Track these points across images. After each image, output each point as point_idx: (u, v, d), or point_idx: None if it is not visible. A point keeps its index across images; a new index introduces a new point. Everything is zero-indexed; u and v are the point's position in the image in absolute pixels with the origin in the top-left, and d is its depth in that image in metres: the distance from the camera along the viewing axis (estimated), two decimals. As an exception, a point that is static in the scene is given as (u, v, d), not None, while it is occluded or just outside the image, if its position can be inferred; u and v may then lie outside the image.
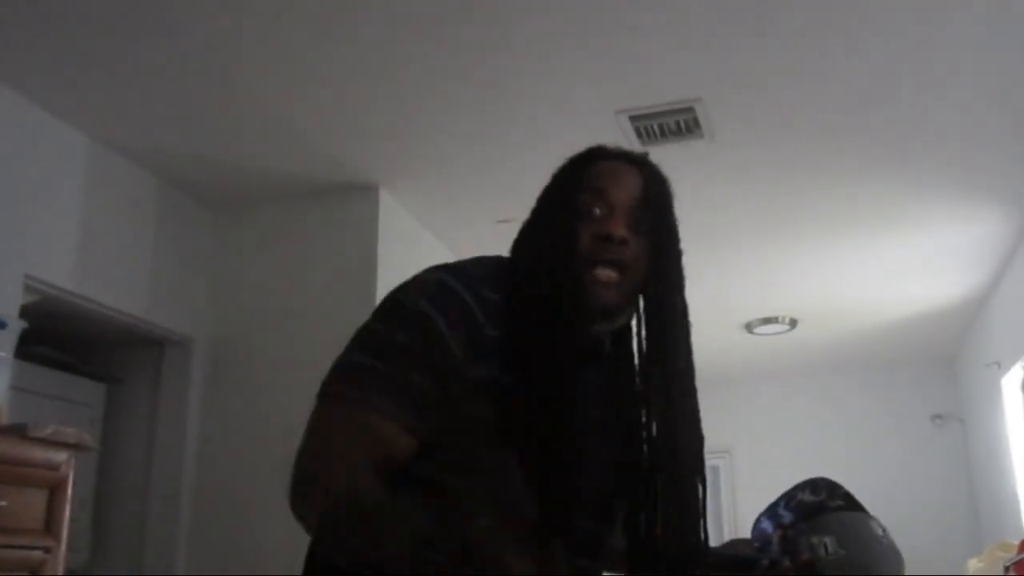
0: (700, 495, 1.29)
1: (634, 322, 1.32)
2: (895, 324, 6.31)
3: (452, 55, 3.04)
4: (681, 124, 3.49)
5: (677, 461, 1.27)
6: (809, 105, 3.41)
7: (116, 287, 3.60)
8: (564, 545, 1.17)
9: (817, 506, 1.56)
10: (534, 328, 1.21)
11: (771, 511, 1.62)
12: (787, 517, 1.57)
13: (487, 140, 3.66)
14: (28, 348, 3.29)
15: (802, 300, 5.79)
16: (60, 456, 2.62)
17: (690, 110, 3.39)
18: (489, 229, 4.44)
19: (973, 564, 5.04)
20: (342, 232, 4.07)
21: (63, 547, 2.61)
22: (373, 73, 3.14)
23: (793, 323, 6.15)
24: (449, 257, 4.83)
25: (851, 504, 1.60)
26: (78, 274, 3.40)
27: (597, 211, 1.27)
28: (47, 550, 2.55)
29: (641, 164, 1.34)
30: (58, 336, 3.74)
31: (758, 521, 1.62)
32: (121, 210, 3.69)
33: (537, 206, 1.37)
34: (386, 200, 4.08)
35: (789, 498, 1.60)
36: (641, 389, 1.31)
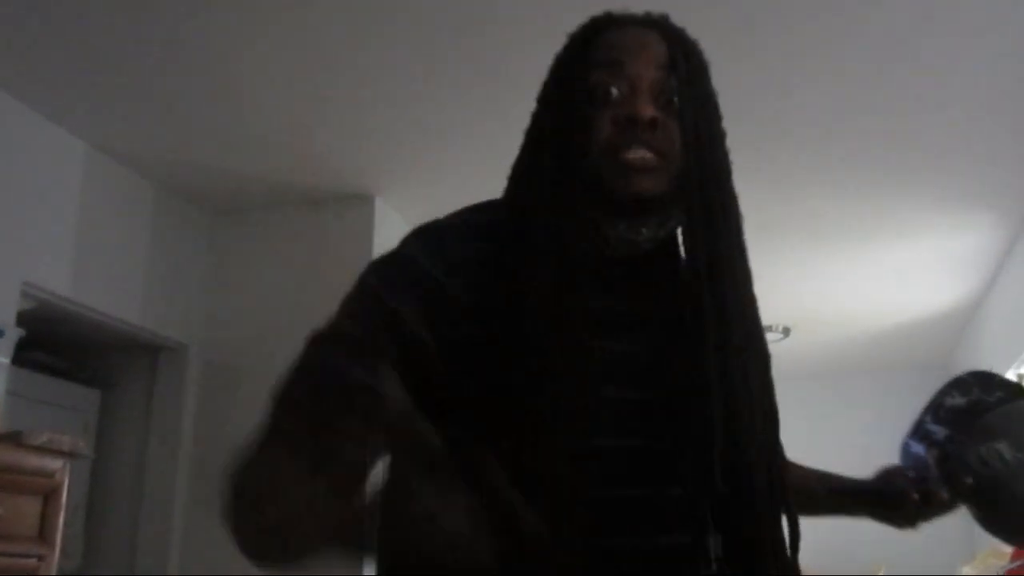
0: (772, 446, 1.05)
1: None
2: (888, 331, 6.33)
3: (451, 66, 3.05)
4: (675, 133, 3.49)
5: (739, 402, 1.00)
6: (801, 114, 3.43)
7: (112, 293, 3.61)
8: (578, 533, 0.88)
9: (972, 407, 1.24)
10: (527, 256, 0.97)
11: (918, 429, 1.29)
12: (939, 432, 1.25)
13: (484, 151, 3.67)
14: (24, 354, 3.29)
15: (796, 308, 5.80)
16: (55, 464, 2.62)
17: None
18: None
19: (966, 570, 5.05)
20: (338, 240, 4.07)
21: (57, 554, 2.61)
22: (371, 82, 3.15)
23: (787, 331, 6.17)
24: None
25: (1015, 391, 1.25)
26: (75, 280, 3.40)
27: (615, 91, 1.02)
28: (41, 557, 2.55)
29: (662, 27, 1.08)
30: (53, 342, 3.74)
31: (906, 445, 1.31)
32: (118, 216, 3.70)
33: (538, 104, 1.13)
34: (382, 209, 4.09)
35: (935, 408, 1.28)
36: (691, 313, 1.01)
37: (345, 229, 4.07)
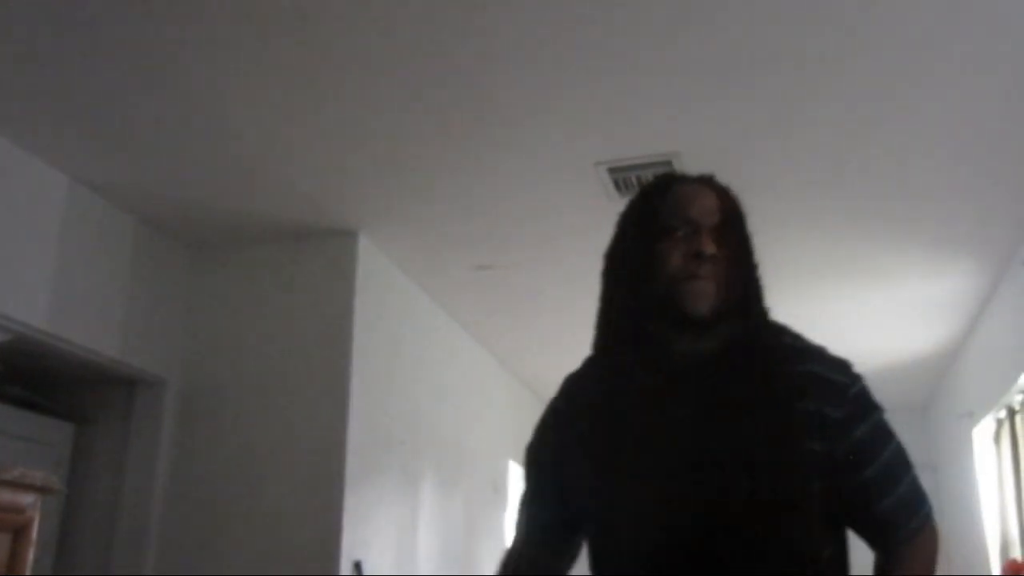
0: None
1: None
2: (869, 373, 6.22)
3: (434, 104, 3.07)
4: (658, 176, 3.53)
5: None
6: (785, 161, 3.46)
7: (89, 326, 3.57)
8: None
9: None
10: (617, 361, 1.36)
11: None
12: None
13: (468, 188, 3.68)
14: (-2, 387, 3.25)
15: (777, 349, 5.82)
16: (26, 499, 2.56)
17: (668, 163, 3.43)
18: (468, 275, 4.46)
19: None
20: (320, 276, 4.06)
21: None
22: (355, 117, 3.15)
23: (768, 372, 6.18)
24: (426, 303, 4.83)
25: None
26: (52, 313, 3.37)
27: (681, 232, 1.33)
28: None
29: (713, 184, 1.41)
30: (27, 375, 3.70)
31: None
32: (97, 249, 3.67)
33: (614, 242, 1.43)
34: (365, 245, 4.08)
35: None
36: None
37: (327, 264, 4.05)
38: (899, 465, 1.35)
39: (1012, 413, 4.78)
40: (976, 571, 5.71)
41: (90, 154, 3.37)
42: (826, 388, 1.33)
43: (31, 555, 2.60)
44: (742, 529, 1.21)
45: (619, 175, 3.53)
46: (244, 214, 3.89)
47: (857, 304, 5.05)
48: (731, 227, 1.36)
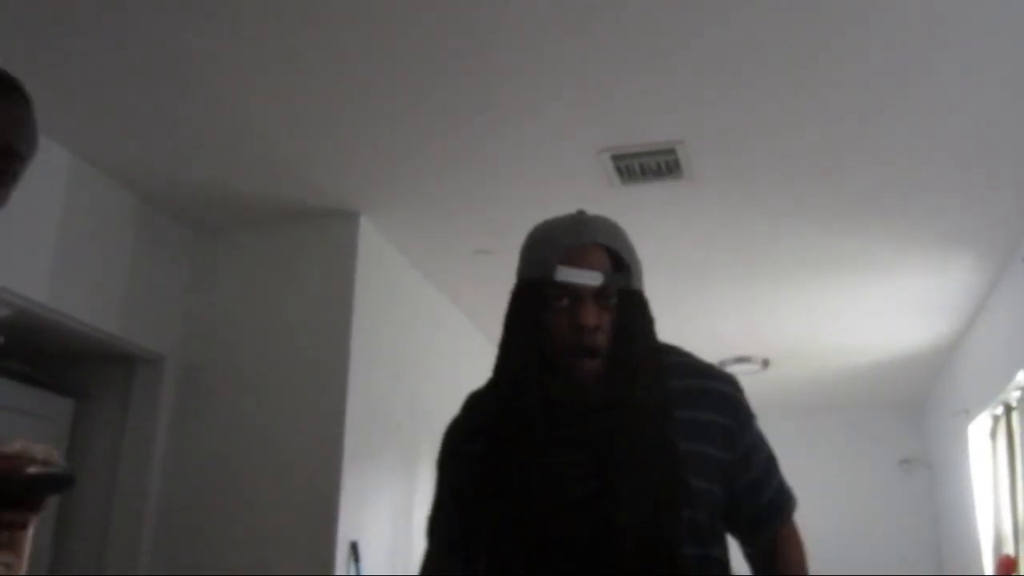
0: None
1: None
2: (866, 368, 6.37)
3: (438, 88, 3.07)
4: (662, 165, 3.53)
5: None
6: (787, 152, 3.46)
7: (90, 303, 3.58)
8: None
9: None
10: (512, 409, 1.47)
11: None
12: None
13: (470, 173, 3.68)
14: (-2, 362, 3.26)
15: (775, 341, 5.83)
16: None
17: (671, 152, 3.43)
18: (469, 260, 4.47)
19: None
20: (321, 258, 4.07)
21: (24, 564, 2.57)
22: (358, 100, 3.16)
23: (765, 363, 6.20)
24: (427, 286, 4.84)
25: None
26: (53, 289, 3.38)
27: (565, 302, 1.42)
28: (8, 565, 2.51)
29: (595, 240, 1.46)
30: (28, 350, 3.71)
31: None
32: (99, 226, 3.68)
33: (510, 300, 1.52)
34: (366, 227, 4.09)
35: None
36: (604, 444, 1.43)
37: (328, 246, 4.06)
38: (773, 467, 1.60)
39: (1008, 410, 4.79)
40: (969, 567, 5.74)
41: (93, 132, 3.37)
42: (716, 399, 1.50)
43: (31, 528, 2.61)
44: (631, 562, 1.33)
45: (622, 162, 3.53)
46: (246, 195, 3.89)
47: (854, 299, 5.06)
48: (615, 280, 1.43)
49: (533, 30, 2.75)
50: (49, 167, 3.40)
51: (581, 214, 1.53)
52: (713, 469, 1.45)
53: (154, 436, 3.88)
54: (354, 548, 3.76)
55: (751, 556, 1.59)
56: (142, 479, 3.84)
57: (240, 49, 2.88)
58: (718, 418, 1.48)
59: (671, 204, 3.85)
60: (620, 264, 1.45)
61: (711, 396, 1.50)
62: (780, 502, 1.57)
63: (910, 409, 7.24)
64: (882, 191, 3.78)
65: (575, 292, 1.41)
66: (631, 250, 1.48)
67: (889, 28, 2.73)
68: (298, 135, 3.40)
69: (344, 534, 3.69)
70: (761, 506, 1.54)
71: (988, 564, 5.27)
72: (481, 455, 1.48)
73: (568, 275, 1.41)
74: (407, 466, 4.46)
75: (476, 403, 1.63)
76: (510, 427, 1.44)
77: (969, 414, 5.54)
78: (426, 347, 4.79)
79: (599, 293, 1.41)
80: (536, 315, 1.43)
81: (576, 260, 1.42)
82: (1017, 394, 4.61)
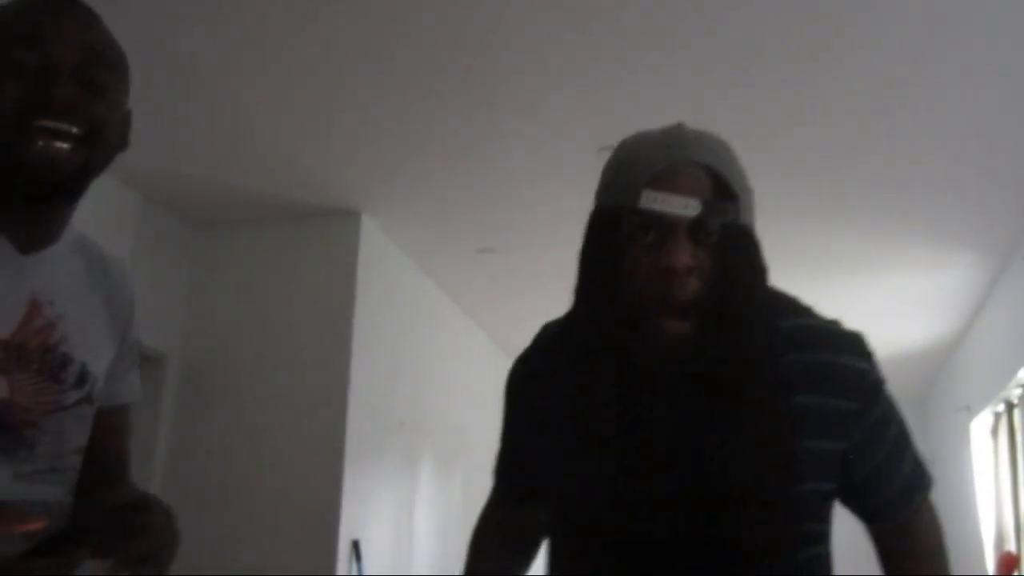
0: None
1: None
2: (867, 366, 6.36)
3: (438, 87, 3.07)
4: (662, 162, 3.52)
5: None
6: (787, 153, 3.46)
7: (92, 302, 3.59)
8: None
9: None
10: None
11: None
12: None
13: (471, 171, 3.69)
14: None
15: (777, 339, 5.83)
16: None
17: (671, 149, 3.43)
18: (470, 258, 4.47)
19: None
20: (322, 256, 4.07)
21: (26, 563, 2.58)
22: (359, 100, 3.16)
23: (767, 361, 6.20)
24: (428, 285, 4.85)
25: None
26: (54, 288, 3.38)
27: (651, 237, 1.09)
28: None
29: (695, 158, 1.14)
30: (31, 349, 3.72)
31: None
32: (100, 224, 3.66)
33: (588, 227, 1.23)
34: (368, 226, 4.09)
35: None
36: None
37: (330, 245, 4.06)
38: (904, 442, 1.29)
39: (1010, 407, 4.79)
40: (971, 564, 5.74)
41: (96, 130, 3.37)
42: (835, 378, 1.19)
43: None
44: (716, 538, 1.08)
45: (623, 162, 3.52)
46: (249, 194, 3.90)
47: (856, 298, 5.05)
48: (719, 214, 1.10)
49: (533, 30, 2.76)
50: (51, 167, 3.41)
51: (680, 126, 1.21)
52: (829, 466, 1.18)
53: (156, 433, 3.89)
54: (356, 546, 3.76)
55: (877, 538, 1.31)
56: (144, 477, 3.84)
57: (240, 49, 2.88)
58: (841, 403, 1.18)
59: (672, 203, 3.86)
60: (726, 192, 1.12)
61: (836, 378, 1.19)
62: (912, 487, 1.28)
63: (912, 406, 7.22)
64: (883, 190, 3.78)
65: (664, 224, 1.08)
66: (742, 175, 1.17)
67: (889, 28, 2.73)
68: (299, 134, 3.41)
69: (346, 533, 3.70)
70: (891, 492, 1.25)
71: (990, 560, 5.28)
72: (550, 402, 1.18)
73: (655, 201, 1.08)
74: (409, 464, 4.47)
75: (548, 344, 1.28)
76: (584, 377, 1.12)
77: (971, 411, 5.54)
78: (428, 345, 4.80)
79: (696, 227, 1.08)
80: (614, 254, 1.11)
81: (667, 183, 1.10)
82: (1018, 391, 4.61)
